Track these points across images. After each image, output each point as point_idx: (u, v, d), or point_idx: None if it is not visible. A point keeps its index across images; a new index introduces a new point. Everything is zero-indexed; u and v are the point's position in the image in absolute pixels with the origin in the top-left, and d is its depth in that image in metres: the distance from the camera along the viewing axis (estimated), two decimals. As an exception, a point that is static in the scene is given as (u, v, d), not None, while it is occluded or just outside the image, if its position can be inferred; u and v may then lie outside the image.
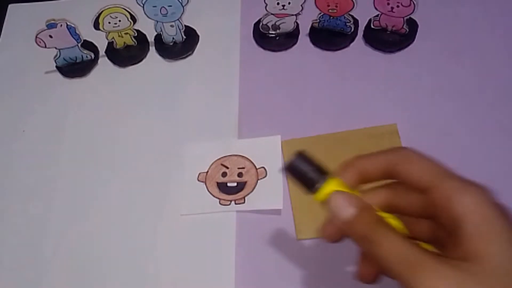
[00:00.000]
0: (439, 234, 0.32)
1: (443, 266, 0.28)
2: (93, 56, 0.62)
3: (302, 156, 0.34)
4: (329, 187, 0.33)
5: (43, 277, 0.50)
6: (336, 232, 0.34)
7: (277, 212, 0.51)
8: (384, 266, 0.30)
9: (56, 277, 0.50)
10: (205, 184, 0.53)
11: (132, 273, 0.50)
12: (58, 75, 0.63)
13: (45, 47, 0.58)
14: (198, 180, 0.54)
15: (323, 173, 0.34)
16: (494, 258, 0.29)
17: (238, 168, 0.54)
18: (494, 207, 0.30)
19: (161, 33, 0.61)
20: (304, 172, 0.34)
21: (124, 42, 0.62)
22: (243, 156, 0.54)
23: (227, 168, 0.54)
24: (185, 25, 0.60)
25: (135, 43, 0.62)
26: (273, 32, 0.61)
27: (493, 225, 0.29)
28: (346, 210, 0.32)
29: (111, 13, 0.57)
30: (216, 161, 0.55)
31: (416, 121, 0.55)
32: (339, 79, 0.59)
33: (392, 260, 0.30)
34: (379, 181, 0.35)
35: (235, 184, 0.53)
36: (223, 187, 0.53)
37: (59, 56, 0.61)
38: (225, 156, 0.55)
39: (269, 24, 0.60)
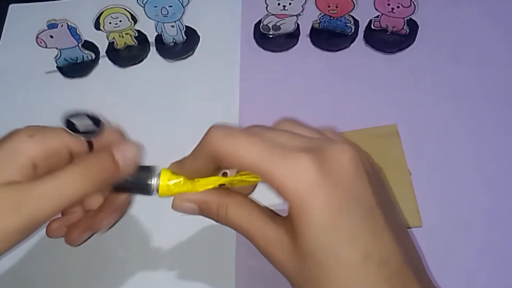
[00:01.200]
0: None
1: (273, 237, 0.33)
2: (93, 56, 0.62)
3: None
4: (164, 180, 0.35)
5: (42, 277, 0.51)
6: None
7: (277, 212, 0.51)
8: None
9: (54, 277, 0.51)
10: (206, 184, 0.53)
11: (132, 273, 0.50)
12: (58, 75, 0.63)
13: (46, 47, 0.58)
14: (199, 180, 0.54)
15: (151, 172, 0.35)
16: (306, 236, 0.31)
17: (239, 168, 0.54)
18: (318, 178, 0.31)
19: (162, 33, 0.61)
20: (133, 182, 0.35)
21: (125, 43, 0.62)
22: (243, 156, 0.54)
23: (228, 168, 0.53)
24: (185, 26, 0.61)
25: (135, 43, 0.62)
26: (274, 33, 0.61)
27: (308, 203, 0.31)
28: (192, 210, 0.36)
29: (112, 13, 0.57)
30: (216, 161, 0.54)
31: (416, 122, 0.55)
32: (339, 79, 0.59)
33: (247, 235, 0.35)
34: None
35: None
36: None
37: (60, 56, 0.61)
38: (225, 156, 0.55)
39: (270, 25, 0.60)
